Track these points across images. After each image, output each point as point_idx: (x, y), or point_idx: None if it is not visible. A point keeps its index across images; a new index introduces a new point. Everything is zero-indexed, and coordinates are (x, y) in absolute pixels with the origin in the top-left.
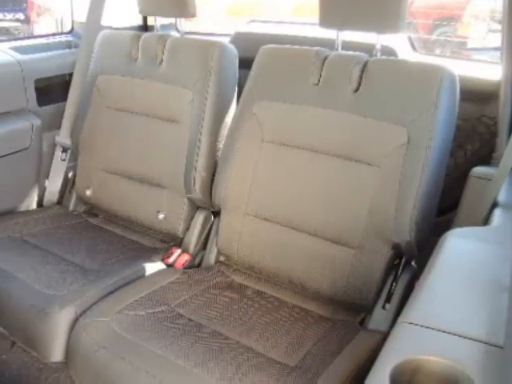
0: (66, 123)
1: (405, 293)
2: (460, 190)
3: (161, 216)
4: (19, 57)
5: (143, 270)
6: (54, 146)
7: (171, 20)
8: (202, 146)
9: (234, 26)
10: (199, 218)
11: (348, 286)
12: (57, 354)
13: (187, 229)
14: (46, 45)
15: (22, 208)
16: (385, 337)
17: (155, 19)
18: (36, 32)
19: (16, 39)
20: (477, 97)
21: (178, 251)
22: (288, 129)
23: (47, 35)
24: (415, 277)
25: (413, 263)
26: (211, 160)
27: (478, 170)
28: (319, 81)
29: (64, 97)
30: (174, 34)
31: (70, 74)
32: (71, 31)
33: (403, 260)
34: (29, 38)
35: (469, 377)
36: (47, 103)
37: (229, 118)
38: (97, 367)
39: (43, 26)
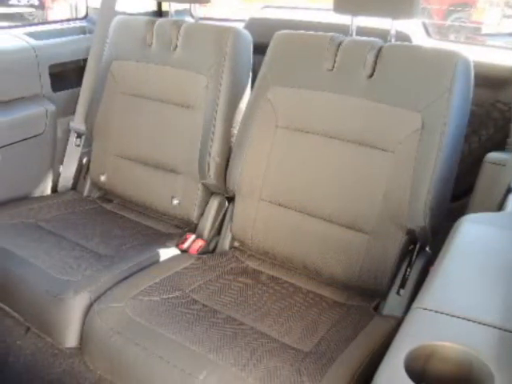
0: (81, 109)
1: (419, 278)
2: (474, 175)
3: (175, 202)
4: (34, 42)
5: (157, 255)
6: (68, 131)
7: (185, 6)
8: (217, 131)
9: (248, 12)
10: (213, 203)
11: (362, 272)
12: (71, 340)
13: (201, 214)
14: (60, 30)
15: (37, 194)
16: (399, 322)
17: (169, 5)
18: (50, 18)
19: (30, 25)
20: (491, 82)
21: (193, 237)
22: (302, 114)
23: (61, 21)
24: (429, 262)
25: (427, 249)
26: (225, 146)
27: (493, 155)
28: (333, 66)
29: (78, 82)
30: (189, 19)
31: (85, 60)
32: (85, 17)
33: (417, 246)
34: (43, 23)
35: (483, 362)
36: (61, 89)
37: (243, 104)
38: (111, 353)
39: (57, 11)
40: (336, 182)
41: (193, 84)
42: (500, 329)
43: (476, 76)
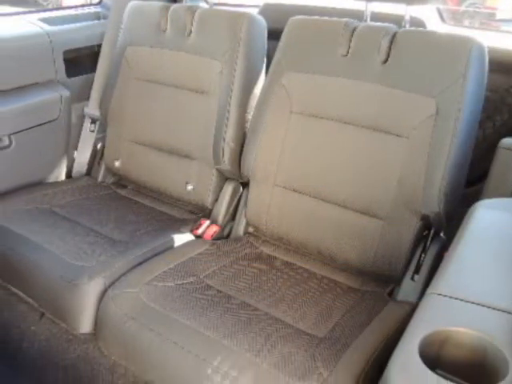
0: (95, 94)
1: (433, 264)
2: (489, 161)
3: (189, 187)
4: (48, 28)
5: (172, 241)
6: (82, 117)
7: None
8: (231, 117)
9: None
10: (228, 189)
11: (377, 257)
12: (85, 326)
13: (216, 200)
14: (74, 16)
15: (51, 179)
16: (413, 308)
17: None
18: (65, 3)
19: (45, 10)
20: (506, 68)
21: (207, 222)
22: (317, 100)
23: (76, 6)
24: (444, 248)
25: (441, 234)
26: (240, 131)
27: (507, 141)
28: (348, 52)
29: (93, 68)
30: (203, 5)
31: (99, 46)
32: (100, 2)
33: (432, 231)
34: (57, 9)
35: (497, 348)
36: (76, 74)
37: (257, 90)
38: (125, 338)
39: None
40: (350, 167)
41: (207, 70)
42: None
43: (490, 62)
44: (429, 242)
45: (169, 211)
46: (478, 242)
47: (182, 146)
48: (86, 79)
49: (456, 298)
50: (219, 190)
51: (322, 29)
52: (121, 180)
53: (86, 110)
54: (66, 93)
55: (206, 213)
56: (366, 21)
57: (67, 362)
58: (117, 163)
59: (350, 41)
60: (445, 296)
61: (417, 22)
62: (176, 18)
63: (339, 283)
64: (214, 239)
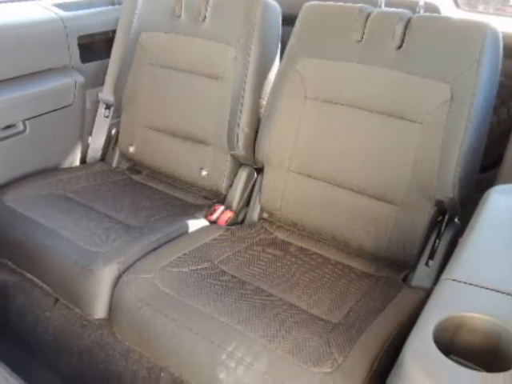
0: (109, 80)
1: (448, 250)
2: (503, 146)
3: (204, 173)
4: (62, 14)
5: (186, 226)
6: (97, 102)
7: None
8: (246, 102)
9: None
10: (242, 174)
11: (391, 243)
12: (100, 311)
13: (230, 186)
14: (89, 1)
15: (66, 165)
16: (428, 294)
17: None
18: None
19: None
20: None
21: (221, 208)
22: (331, 86)
23: None
24: (458, 233)
25: (456, 220)
26: (254, 117)
27: None
28: (362, 38)
29: (107, 54)
30: None
31: (114, 31)
32: None
33: (446, 217)
34: None
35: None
36: (90, 60)
37: (272, 75)
38: (140, 324)
39: None
40: (364, 153)
41: (221, 55)
42: None
43: (505, 47)
44: (443, 228)
45: (183, 197)
46: (492, 227)
47: (197, 131)
48: (101, 65)
49: (470, 284)
50: (233, 175)
51: (337, 14)
52: (135, 165)
53: (101, 95)
54: (80, 78)
55: (221, 198)
56: (380, 6)
57: (81, 347)
58: (131, 149)
59: (365, 26)
60: (459, 282)
61: (431, 8)
62: (190, 3)
63: (353, 269)
64: (228, 225)
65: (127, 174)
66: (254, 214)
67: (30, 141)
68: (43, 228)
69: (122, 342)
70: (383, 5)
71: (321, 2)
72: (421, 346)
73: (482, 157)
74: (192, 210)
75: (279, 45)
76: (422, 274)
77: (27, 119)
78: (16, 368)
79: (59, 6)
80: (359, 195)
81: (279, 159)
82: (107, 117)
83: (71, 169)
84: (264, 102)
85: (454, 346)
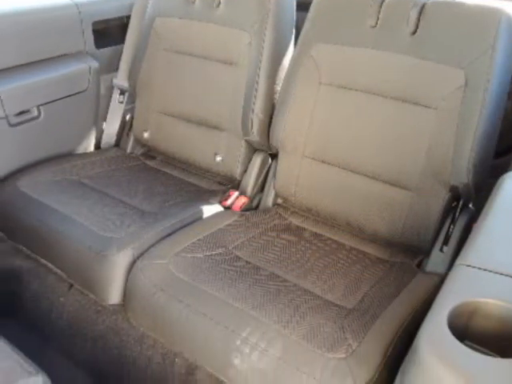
0: (124, 65)
1: (462, 235)
2: None
3: (218, 158)
4: None
5: (201, 212)
6: (111, 88)
7: None
8: (260, 88)
9: None
10: (257, 160)
11: (405, 228)
12: (114, 297)
13: (245, 171)
14: None
15: (80, 150)
16: (442, 279)
17: None
18: None
19: None
20: None
21: (236, 194)
22: (345, 71)
23: None
24: (473, 219)
25: (470, 206)
26: (269, 102)
27: None
28: (377, 23)
29: (121, 39)
30: None
31: (128, 17)
32: None
33: (461, 202)
34: None
35: None
36: (105, 46)
37: (286, 61)
38: (154, 309)
39: None
40: (379, 138)
41: (236, 41)
42: None
43: None
44: (458, 213)
45: (197, 182)
46: (506, 212)
47: (211, 117)
48: (115, 50)
49: (485, 269)
50: (248, 161)
51: (351, 0)
52: (149, 151)
53: (115, 81)
54: (94, 64)
55: (235, 184)
56: None
57: (96, 333)
58: (145, 134)
59: (379, 12)
60: (474, 267)
61: None
62: None
63: (368, 254)
64: (242, 210)
65: (141, 160)
66: (269, 199)
67: (44, 126)
68: (57, 214)
69: (137, 328)
70: None
71: None
72: (435, 331)
73: (496, 142)
74: (206, 196)
75: (293, 30)
76: (436, 260)
77: (41, 105)
78: (30, 353)
79: None
80: (374, 181)
81: (293, 145)
82: (121, 102)
83: (85, 154)
84: (278, 88)
85: (469, 331)
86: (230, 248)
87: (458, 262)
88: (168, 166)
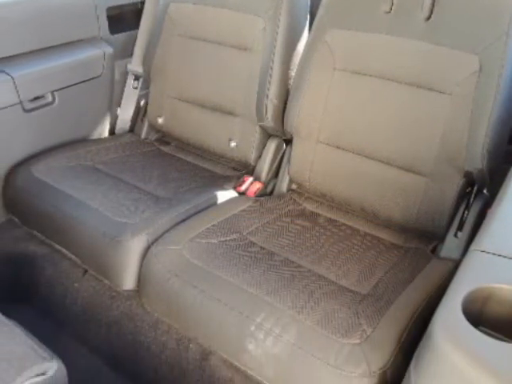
0: (138, 51)
1: (477, 221)
2: None
3: (233, 144)
4: None
5: (215, 198)
6: (125, 73)
7: None
8: (274, 73)
9: None
10: (271, 145)
11: (420, 214)
12: (129, 282)
13: (259, 157)
14: None
15: (94, 136)
16: (457, 265)
17: None
18: None
19: None
20: None
21: (250, 179)
22: (360, 57)
23: None
24: (487, 205)
25: (485, 191)
26: (283, 88)
27: None
28: (391, 9)
29: (136, 25)
30: None
31: (142, 2)
32: None
33: (475, 188)
34: None
35: None
36: (119, 31)
37: (301, 46)
38: (169, 295)
39: None
40: (393, 124)
41: (250, 26)
42: None
43: None
44: (472, 199)
45: (212, 168)
46: None
47: (225, 102)
48: (129, 36)
49: (499, 255)
50: (262, 146)
51: None
52: (164, 137)
53: (129, 66)
54: (109, 49)
55: (249, 170)
56: None
57: (110, 318)
58: (160, 120)
59: None
60: (488, 253)
61: None
62: None
63: (382, 240)
64: (257, 196)
65: (156, 145)
66: (283, 185)
67: (59, 112)
68: (72, 199)
69: (151, 314)
70: None
71: None
72: (450, 317)
73: (510, 128)
74: (221, 181)
75: (308, 16)
76: (450, 246)
77: (56, 90)
78: (44, 339)
79: None
80: (388, 166)
81: (308, 130)
82: (136, 88)
83: (100, 140)
84: (293, 74)
85: (483, 317)
86: (244, 234)
87: (473, 247)
88: (182, 151)
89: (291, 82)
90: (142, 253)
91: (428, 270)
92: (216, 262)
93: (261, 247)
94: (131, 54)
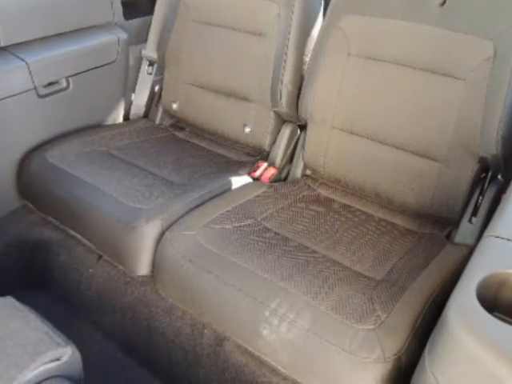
0: (153, 37)
1: (491, 206)
2: None
3: (247, 129)
4: None
5: (229, 183)
6: (140, 59)
7: None
8: (289, 59)
9: None
10: (285, 131)
11: (434, 200)
12: (143, 268)
13: (273, 142)
14: None
15: (109, 122)
16: (471, 250)
17: None
18: None
19: None
20: None
21: (265, 165)
22: (374, 42)
23: None
24: (501, 190)
25: (499, 177)
26: (297, 74)
27: None
28: None
29: (150, 10)
30: None
31: None
32: None
33: (489, 174)
34: None
35: None
36: (133, 17)
37: (315, 32)
38: (183, 280)
39: None
40: (408, 110)
41: (265, 12)
42: None
43: None
44: (486, 185)
45: (226, 153)
46: None
47: (240, 88)
48: (144, 21)
49: None
50: (277, 132)
51: None
52: (178, 122)
53: (144, 52)
54: (123, 35)
55: (264, 155)
56: None
57: (125, 304)
58: (174, 105)
59: None
60: (502, 238)
61: None
62: None
63: (397, 225)
64: (271, 181)
65: (170, 131)
66: (297, 170)
67: (73, 98)
68: (86, 185)
69: (165, 299)
70: None
71: None
72: (464, 302)
73: None
74: (235, 167)
75: (322, 1)
76: (465, 231)
77: (70, 76)
78: (59, 324)
79: None
80: (402, 152)
81: (322, 116)
82: (150, 74)
83: (114, 125)
84: (307, 59)
85: (498, 302)
86: (258, 219)
87: (487, 233)
88: (197, 137)
89: (305, 67)
90: (156, 238)
91: (442, 255)
92: (230, 248)
93: (275, 233)
94: (145, 40)
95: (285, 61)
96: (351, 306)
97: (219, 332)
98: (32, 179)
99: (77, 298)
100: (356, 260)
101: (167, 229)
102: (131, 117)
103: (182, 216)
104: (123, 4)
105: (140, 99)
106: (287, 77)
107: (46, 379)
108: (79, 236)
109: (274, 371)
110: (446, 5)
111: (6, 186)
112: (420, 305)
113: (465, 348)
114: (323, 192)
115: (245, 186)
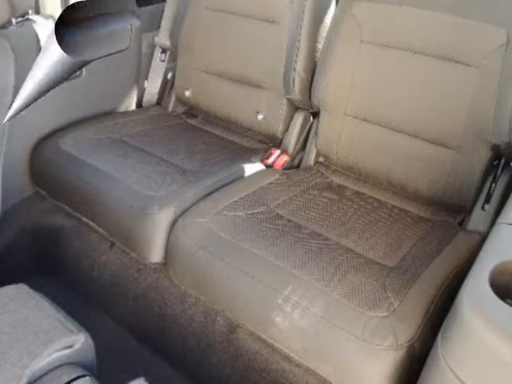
0: (166, 24)
1: (504, 193)
2: None
3: (260, 117)
4: None
5: (242, 170)
6: (153, 46)
7: None
8: (301, 46)
9: None
10: (298, 118)
11: (447, 187)
12: (156, 255)
13: (286, 130)
14: None
15: (122, 109)
16: (484, 238)
17: None
18: None
19: None
20: None
21: (277, 152)
22: (387, 30)
23: None
24: None
25: None
26: (310, 61)
27: None
28: None
29: None
30: None
31: None
32: None
33: (502, 161)
34: None
35: None
36: (146, 4)
37: (328, 19)
38: (196, 268)
39: None
40: (421, 97)
41: None
42: None
43: None
44: (499, 172)
45: (239, 141)
46: None
47: (253, 75)
48: (157, 8)
49: None
50: (289, 119)
51: None
52: (191, 109)
53: (157, 39)
54: (136, 22)
55: (277, 142)
56: None
57: (138, 291)
58: (187, 93)
59: None
60: None
61: None
62: None
63: (409, 213)
64: (284, 169)
65: (183, 118)
66: (310, 157)
67: (86, 85)
68: (99, 172)
69: (178, 286)
70: None
71: None
72: (477, 290)
73: None
74: (248, 154)
75: None
76: (478, 218)
77: None
78: (72, 312)
79: None
80: (415, 139)
81: (335, 103)
82: (163, 61)
83: (127, 113)
84: (320, 46)
85: (510, 289)
86: (271, 206)
87: (500, 220)
88: (209, 124)
89: (318, 54)
90: (169, 225)
91: (455, 242)
92: (243, 235)
93: (288, 220)
94: (158, 27)
95: (297, 48)
96: (364, 294)
97: (232, 319)
98: (45, 166)
99: (89, 285)
100: (369, 247)
101: (180, 216)
102: (144, 104)
103: (195, 203)
104: None
105: (153, 86)
106: (300, 64)
107: (59, 366)
108: (92, 223)
109: (287, 358)
110: None
111: (19, 173)
112: (433, 292)
113: (477, 335)
114: (336, 179)
115: (257, 174)
